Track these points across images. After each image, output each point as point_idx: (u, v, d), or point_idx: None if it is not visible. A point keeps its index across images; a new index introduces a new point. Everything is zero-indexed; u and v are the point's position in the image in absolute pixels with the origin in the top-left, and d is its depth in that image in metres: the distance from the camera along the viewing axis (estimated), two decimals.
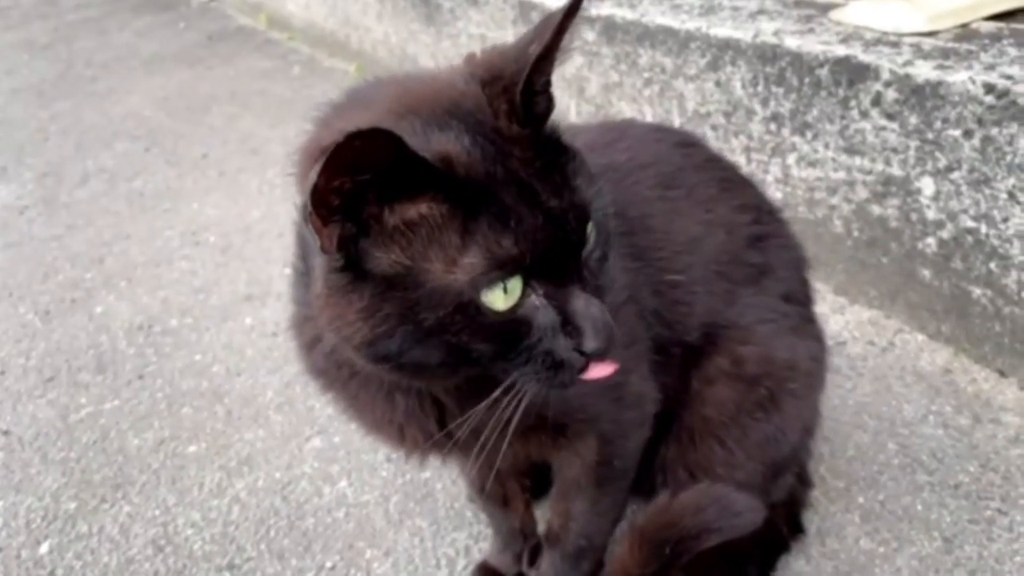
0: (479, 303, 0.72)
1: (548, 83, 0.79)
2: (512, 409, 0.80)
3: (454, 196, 0.70)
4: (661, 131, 1.29)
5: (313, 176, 0.65)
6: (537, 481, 1.35)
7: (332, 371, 0.96)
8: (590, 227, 0.77)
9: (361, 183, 0.67)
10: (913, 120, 1.52)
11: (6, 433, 1.77)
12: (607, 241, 0.81)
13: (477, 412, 0.83)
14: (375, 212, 0.71)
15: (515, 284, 0.73)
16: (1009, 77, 1.38)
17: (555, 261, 0.74)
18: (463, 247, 0.71)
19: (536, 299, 0.74)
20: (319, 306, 0.78)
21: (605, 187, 0.82)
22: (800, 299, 1.20)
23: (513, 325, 0.74)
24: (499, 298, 0.72)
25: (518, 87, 0.74)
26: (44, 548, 1.46)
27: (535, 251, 0.71)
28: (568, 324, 0.75)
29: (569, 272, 0.75)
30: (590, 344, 0.74)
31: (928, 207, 1.56)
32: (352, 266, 0.73)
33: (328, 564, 1.36)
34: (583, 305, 0.74)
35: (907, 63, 1.51)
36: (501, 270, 0.71)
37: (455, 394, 0.91)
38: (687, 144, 1.21)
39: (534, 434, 1.01)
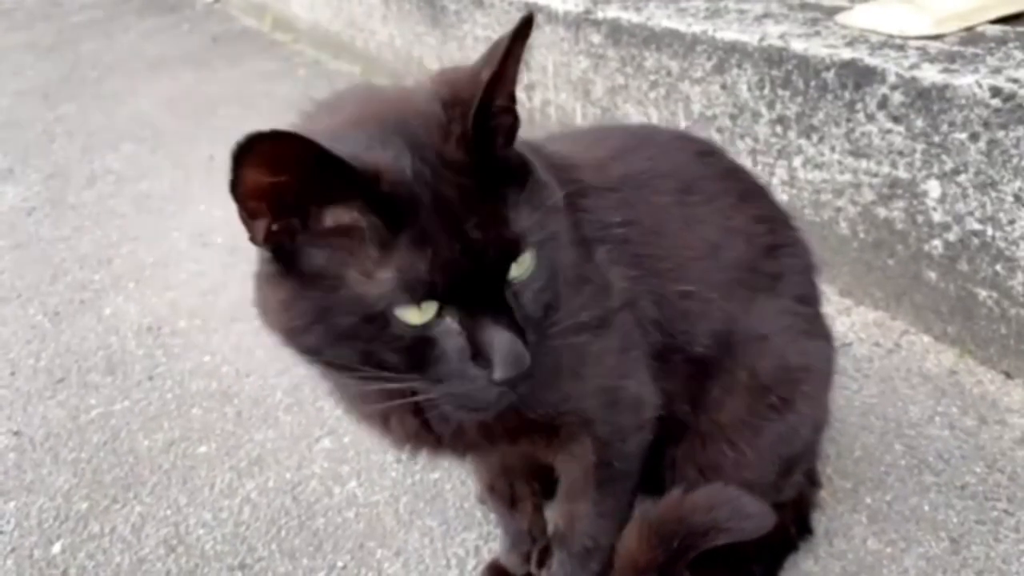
0: (389, 316, 0.74)
1: (511, 99, 0.80)
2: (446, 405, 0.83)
3: (379, 210, 0.72)
4: (683, 139, 1.29)
5: (230, 173, 0.70)
6: (547, 483, 1.36)
7: None
8: (525, 257, 0.78)
9: (284, 183, 0.71)
10: (919, 123, 1.53)
11: (17, 434, 1.78)
12: (551, 270, 0.82)
13: (450, 412, 0.85)
14: (314, 211, 0.74)
15: (429, 304, 0.75)
16: (1015, 80, 1.39)
17: (472, 290, 0.75)
18: (380, 261, 0.73)
19: (449, 323, 0.76)
20: (254, 290, 0.83)
21: (557, 214, 0.83)
22: (811, 300, 1.22)
23: (424, 343, 0.76)
24: (413, 313, 0.74)
25: (471, 113, 0.76)
26: (56, 548, 1.48)
27: (447, 280, 0.73)
28: (479, 355, 0.76)
29: (485, 303, 0.76)
30: (498, 374, 0.75)
31: (934, 209, 1.57)
32: (283, 259, 0.77)
33: (339, 564, 1.37)
34: (493, 337, 0.76)
35: (913, 66, 1.52)
36: (411, 293, 0.73)
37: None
38: (708, 153, 1.21)
39: (524, 435, 1.02)
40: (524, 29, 0.75)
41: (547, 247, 0.80)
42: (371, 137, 0.75)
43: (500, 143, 0.80)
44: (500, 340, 0.75)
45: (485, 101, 0.76)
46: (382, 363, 0.77)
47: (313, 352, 0.79)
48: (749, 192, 1.20)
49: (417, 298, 0.73)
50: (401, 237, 0.72)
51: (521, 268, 0.78)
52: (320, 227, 0.74)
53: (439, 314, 0.75)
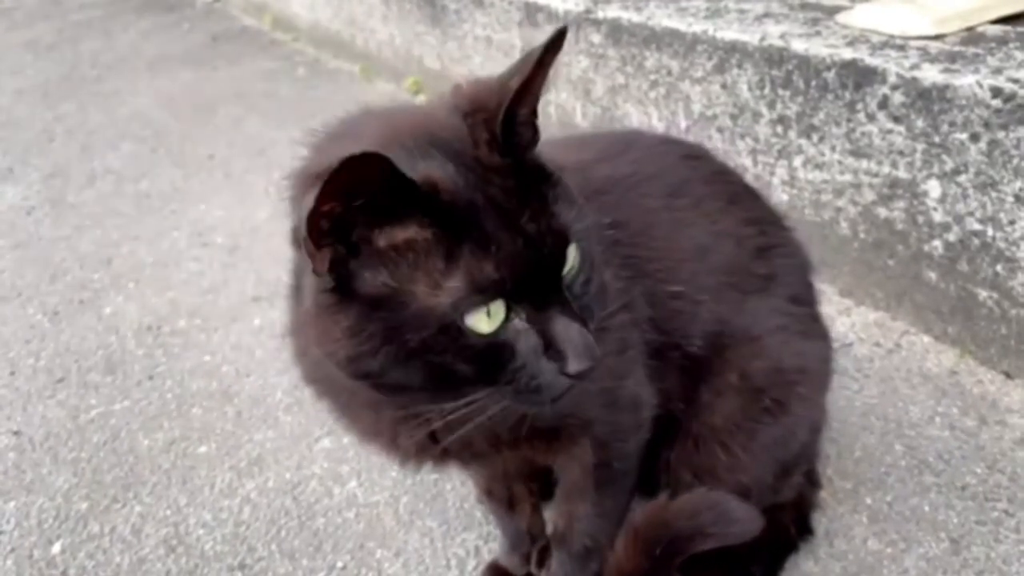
0: (462, 326, 0.74)
1: (534, 114, 0.81)
2: (498, 413, 0.82)
3: (439, 221, 0.73)
4: (668, 143, 1.30)
5: (309, 202, 0.68)
6: (545, 483, 1.36)
7: (324, 379, 0.97)
8: (571, 250, 0.79)
9: (359, 206, 0.70)
10: (920, 123, 1.53)
11: (17, 434, 1.78)
12: (591, 262, 0.83)
13: (462, 413, 0.84)
14: (365, 234, 0.74)
15: (498, 308, 0.75)
16: (1016, 80, 1.39)
17: (536, 285, 0.76)
18: (446, 271, 0.73)
19: (519, 323, 0.77)
20: (307, 323, 0.82)
21: (588, 208, 0.84)
22: (806, 300, 1.22)
23: (496, 348, 0.76)
24: (482, 321, 0.74)
25: (498, 118, 0.76)
26: (56, 548, 1.48)
27: (515, 276, 0.74)
28: (550, 347, 0.77)
29: (550, 296, 0.77)
30: (572, 367, 0.76)
31: (935, 210, 1.57)
32: (340, 287, 0.76)
33: (339, 564, 1.37)
34: (564, 328, 0.76)
35: (914, 66, 1.52)
36: (482, 294, 0.73)
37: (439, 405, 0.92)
38: (694, 156, 1.22)
39: (527, 440, 1.02)
40: (557, 42, 0.75)
41: (585, 240, 0.81)
42: (409, 153, 0.75)
43: (522, 152, 0.81)
44: (571, 332, 0.76)
45: (512, 108, 0.76)
46: (451, 376, 0.77)
47: (375, 375, 0.78)
48: (738, 194, 1.20)
49: (488, 298, 0.73)
50: (464, 244, 0.73)
51: (569, 261, 0.79)
52: (379, 248, 0.74)
53: (507, 317, 0.76)
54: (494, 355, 0.76)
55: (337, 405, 1.01)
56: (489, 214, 0.74)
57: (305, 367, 0.99)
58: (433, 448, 0.98)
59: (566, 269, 0.79)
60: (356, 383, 0.82)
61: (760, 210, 1.21)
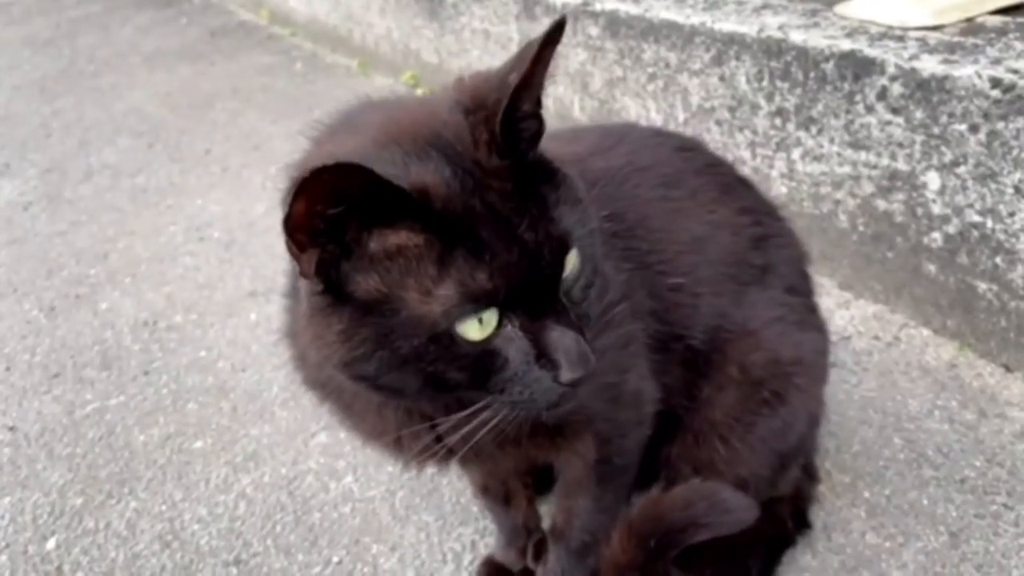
0: (453, 334, 0.73)
1: (537, 105, 0.79)
2: (501, 421, 0.81)
3: (431, 227, 0.71)
4: (661, 135, 1.29)
5: (286, 208, 0.67)
6: (540, 477, 1.35)
7: (327, 383, 0.97)
8: (572, 255, 0.77)
9: (339, 213, 0.69)
10: (919, 114, 1.51)
11: (12, 429, 1.78)
12: (593, 265, 0.81)
13: (468, 424, 0.83)
14: (356, 236, 0.72)
15: (490, 315, 0.74)
16: (1015, 71, 1.37)
17: (530, 294, 0.74)
18: (438, 278, 0.72)
19: (511, 331, 0.75)
20: (304, 325, 0.81)
21: (592, 207, 0.82)
22: (802, 291, 1.21)
23: (488, 356, 0.75)
24: (474, 328, 0.73)
25: (498, 117, 0.74)
26: (51, 544, 1.47)
27: (509, 285, 0.72)
28: (543, 356, 0.75)
29: (545, 304, 0.76)
30: (566, 376, 0.75)
31: (934, 202, 1.56)
32: (333, 289, 0.75)
33: (335, 559, 1.36)
34: (558, 337, 0.75)
35: (913, 57, 1.51)
36: (474, 303, 0.72)
37: (443, 407, 0.91)
38: (687, 148, 1.21)
39: (531, 438, 1.01)
40: (555, 34, 0.73)
41: (587, 243, 0.79)
42: (407, 154, 0.74)
43: (525, 147, 0.79)
44: (565, 341, 0.75)
45: (512, 105, 0.74)
46: (445, 383, 0.76)
47: (371, 378, 0.77)
48: (731, 185, 1.19)
49: (480, 308, 0.72)
50: (457, 251, 0.71)
51: (569, 266, 0.77)
52: (370, 252, 0.73)
53: (500, 324, 0.74)
54: (486, 363, 0.75)
55: (340, 408, 1.00)
56: (485, 221, 0.72)
57: (306, 372, 0.99)
58: (437, 449, 0.97)
59: (565, 273, 0.77)
60: (355, 385, 0.81)
61: (755, 200, 1.20)
